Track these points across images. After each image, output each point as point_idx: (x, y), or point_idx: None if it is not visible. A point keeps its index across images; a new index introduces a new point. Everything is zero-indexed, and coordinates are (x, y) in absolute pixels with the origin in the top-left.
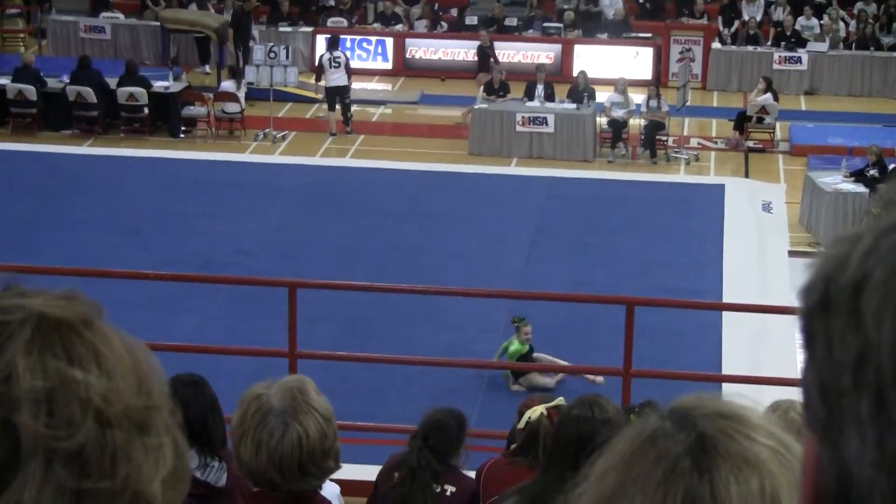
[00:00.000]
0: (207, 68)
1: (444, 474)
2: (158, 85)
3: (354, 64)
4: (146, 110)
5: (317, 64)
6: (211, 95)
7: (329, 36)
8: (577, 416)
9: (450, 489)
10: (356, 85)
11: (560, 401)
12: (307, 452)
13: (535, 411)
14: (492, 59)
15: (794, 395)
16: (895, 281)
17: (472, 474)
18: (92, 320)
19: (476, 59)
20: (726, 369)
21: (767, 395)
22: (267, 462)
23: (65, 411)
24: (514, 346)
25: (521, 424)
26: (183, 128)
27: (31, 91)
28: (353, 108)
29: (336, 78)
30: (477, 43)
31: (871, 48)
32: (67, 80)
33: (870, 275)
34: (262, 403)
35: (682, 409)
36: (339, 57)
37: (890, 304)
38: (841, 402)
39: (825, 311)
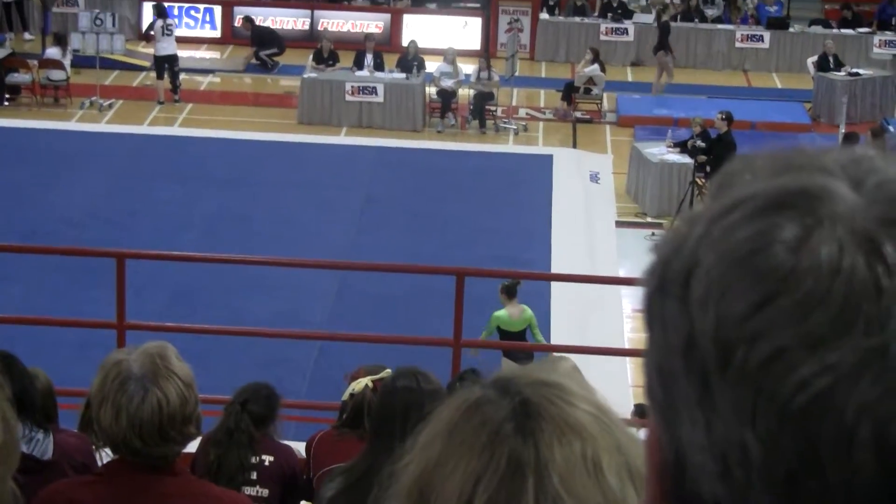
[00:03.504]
0: (27, 34)
1: (261, 443)
2: None
3: (182, 32)
4: None
5: (148, 31)
6: (36, 62)
7: (155, 3)
8: (401, 387)
9: (268, 459)
10: (184, 53)
11: (388, 373)
12: (167, 417)
13: (360, 383)
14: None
15: (621, 364)
16: (720, 269)
17: (301, 446)
18: None
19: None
20: (554, 339)
21: (594, 364)
22: (127, 427)
23: None
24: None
25: (346, 396)
26: (7, 95)
27: None
28: (182, 76)
29: (166, 46)
30: None
31: (696, 20)
32: None
33: (699, 262)
34: (122, 369)
35: (505, 377)
36: (171, 24)
37: (714, 292)
38: (674, 386)
39: (662, 294)
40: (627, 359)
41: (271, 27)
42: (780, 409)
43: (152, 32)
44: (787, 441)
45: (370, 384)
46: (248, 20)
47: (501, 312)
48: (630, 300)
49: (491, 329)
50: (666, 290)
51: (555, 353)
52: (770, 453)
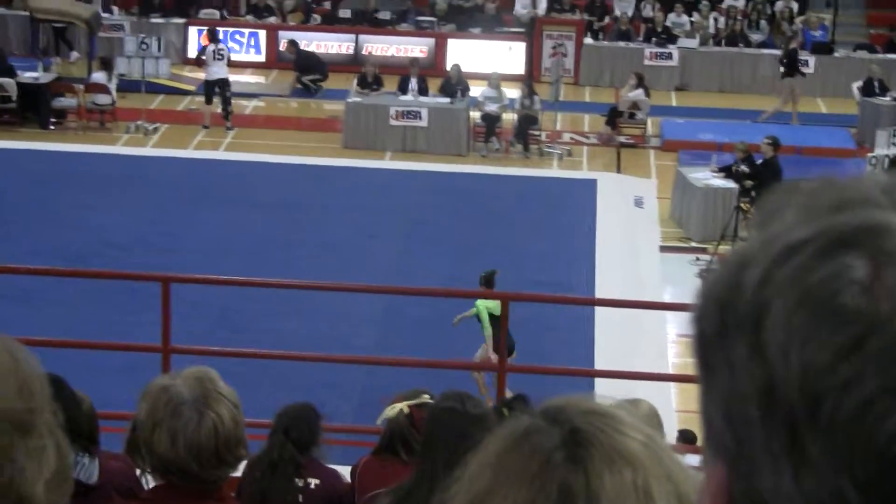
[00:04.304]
0: (72, 56)
1: (306, 467)
2: (27, 76)
3: None
4: (14, 101)
5: (200, 56)
6: (82, 86)
7: (208, 28)
8: (449, 408)
9: (314, 482)
10: (229, 77)
11: (425, 398)
12: (223, 440)
13: (394, 409)
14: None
15: (665, 389)
16: (798, 314)
17: (346, 470)
18: None
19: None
20: (598, 364)
21: (639, 389)
22: (185, 452)
23: None
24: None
25: (379, 421)
26: (53, 119)
27: None
28: None
29: (217, 70)
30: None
31: (740, 45)
32: None
33: (768, 306)
34: (173, 395)
35: (554, 407)
36: (222, 49)
37: (795, 340)
38: (750, 434)
39: (723, 339)
40: (672, 384)
41: (316, 52)
42: (877, 457)
43: (203, 57)
44: (887, 487)
45: (405, 409)
46: (292, 44)
47: (485, 300)
48: (675, 325)
49: (482, 314)
50: (730, 335)
51: (633, 397)
52: (870, 500)
